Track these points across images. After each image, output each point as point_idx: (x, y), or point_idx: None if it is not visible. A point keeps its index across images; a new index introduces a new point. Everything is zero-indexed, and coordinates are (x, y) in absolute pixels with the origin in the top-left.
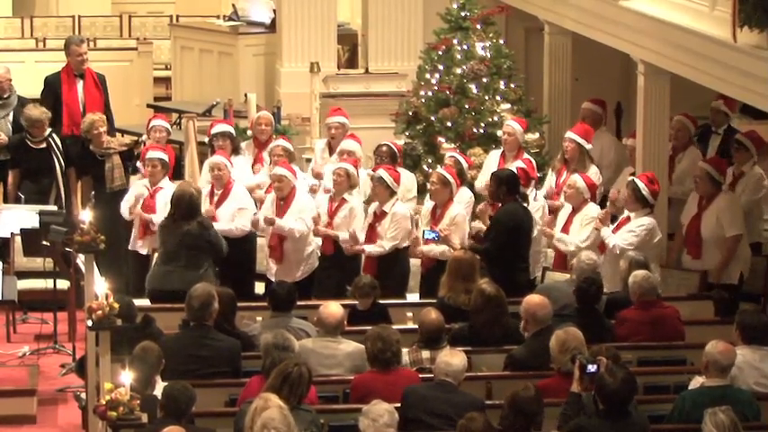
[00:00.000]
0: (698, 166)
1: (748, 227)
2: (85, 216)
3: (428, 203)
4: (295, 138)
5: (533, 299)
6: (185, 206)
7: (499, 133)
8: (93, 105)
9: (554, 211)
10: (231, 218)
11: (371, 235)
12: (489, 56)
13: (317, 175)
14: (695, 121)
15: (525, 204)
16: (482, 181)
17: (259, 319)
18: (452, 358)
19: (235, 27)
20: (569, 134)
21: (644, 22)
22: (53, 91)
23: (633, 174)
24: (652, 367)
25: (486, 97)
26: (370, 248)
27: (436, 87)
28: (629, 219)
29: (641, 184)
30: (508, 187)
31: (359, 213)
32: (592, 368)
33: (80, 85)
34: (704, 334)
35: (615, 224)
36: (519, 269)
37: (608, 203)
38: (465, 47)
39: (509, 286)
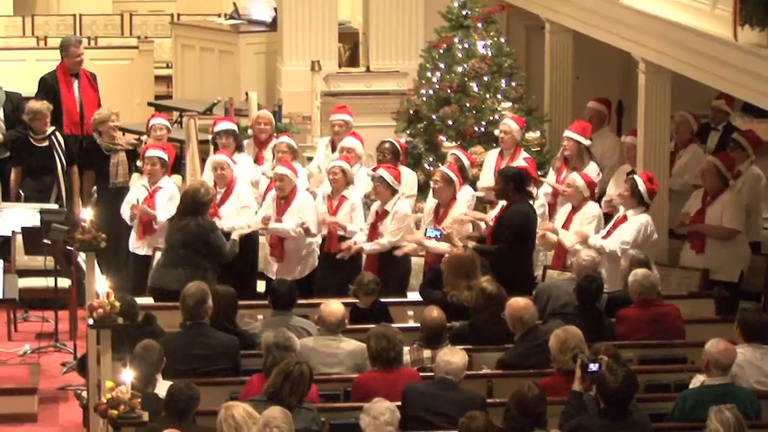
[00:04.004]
0: (706, 160)
1: (748, 225)
2: (86, 214)
3: (430, 202)
4: (296, 136)
5: (517, 302)
6: (188, 201)
7: (497, 132)
8: (90, 104)
9: (552, 207)
10: (234, 216)
11: (374, 234)
12: (490, 54)
13: (314, 182)
14: (698, 118)
15: (531, 202)
16: (483, 182)
17: (260, 317)
18: (453, 356)
19: (236, 25)
20: (567, 133)
21: (645, 21)
22: (51, 91)
23: (632, 172)
24: (653, 366)
25: (487, 96)
26: (369, 246)
27: (437, 86)
28: (625, 218)
29: (640, 181)
30: (515, 184)
31: (359, 209)
32: (593, 367)
33: (76, 84)
34: (705, 332)
35: (611, 223)
36: (524, 268)
37: (603, 202)
38: (466, 45)
39: (515, 285)
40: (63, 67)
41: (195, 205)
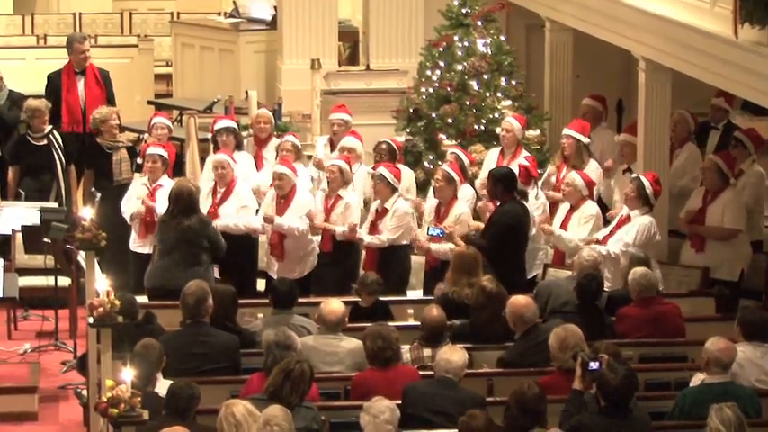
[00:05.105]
0: (707, 158)
1: (749, 224)
2: (86, 213)
3: (431, 201)
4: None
5: (518, 300)
6: (185, 202)
7: (499, 130)
8: (94, 102)
9: (554, 204)
10: (233, 215)
11: (373, 232)
12: (490, 53)
13: (318, 164)
14: (695, 117)
15: (524, 202)
16: (481, 179)
17: (260, 316)
18: (452, 355)
19: (236, 24)
20: (566, 131)
21: (645, 19)
22: (55, 88)
23: (629, 170)
24: (653, 364)
25: (487, 94)
26: (369, 239)
27: (437, 84)
28: (629, 218)
29: (647, 183)
30: (504, 185)
31: (354, 209)
32: (594, 365)
33: (81, 82)
34: (705, 331)
35: (614, 223)
36: (516, 268)
37: (608, 215)
38: (466, 44)
39: (506, 285)
40: (69, 64)
41: (191, 204)
